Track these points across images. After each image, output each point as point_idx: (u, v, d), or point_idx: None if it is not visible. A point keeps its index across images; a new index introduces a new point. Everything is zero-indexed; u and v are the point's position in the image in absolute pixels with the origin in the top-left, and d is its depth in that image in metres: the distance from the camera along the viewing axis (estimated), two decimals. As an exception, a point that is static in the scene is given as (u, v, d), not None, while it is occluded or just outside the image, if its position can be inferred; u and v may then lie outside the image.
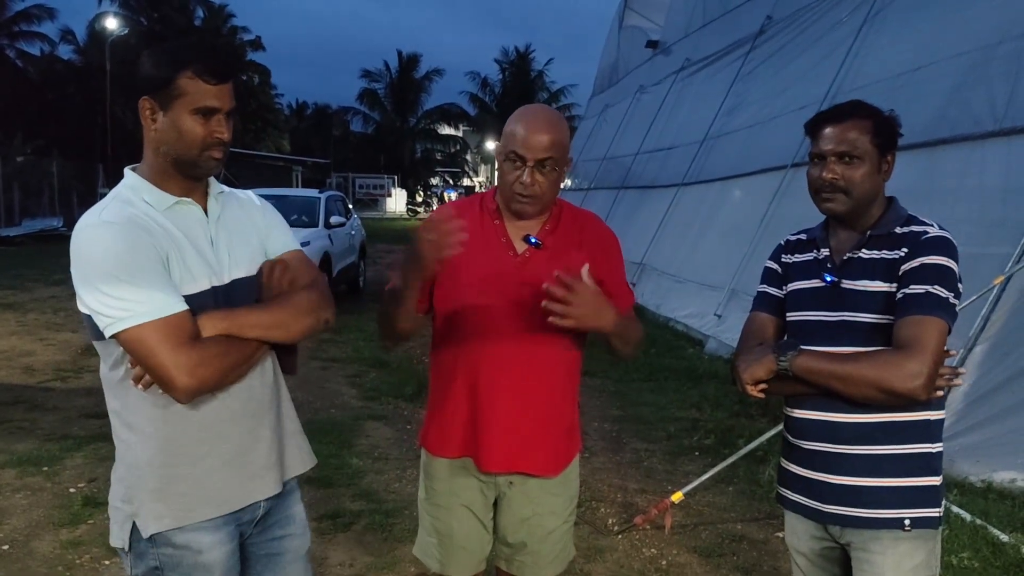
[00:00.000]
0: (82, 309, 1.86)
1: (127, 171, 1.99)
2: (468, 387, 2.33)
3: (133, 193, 1.93)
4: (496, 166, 2.37)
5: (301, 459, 2.20)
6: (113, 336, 1.81)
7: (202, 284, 1.92)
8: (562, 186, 2.39)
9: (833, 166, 2.15)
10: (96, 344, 1.95)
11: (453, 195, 54.26)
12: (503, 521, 2.43)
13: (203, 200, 2.02)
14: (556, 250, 2.34)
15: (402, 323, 2.32)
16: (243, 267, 2.03)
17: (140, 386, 1.86)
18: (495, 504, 2.45)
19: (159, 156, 1.93)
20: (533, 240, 2.32)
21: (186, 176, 1.96)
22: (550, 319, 2.04)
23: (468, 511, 2.40)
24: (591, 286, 2.07)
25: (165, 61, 1.89)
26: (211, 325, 1.86)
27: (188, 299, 1.85)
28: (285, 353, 2.17)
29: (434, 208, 52.68)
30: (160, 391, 1.85)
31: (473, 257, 2.28)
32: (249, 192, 2.25)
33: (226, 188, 2.14)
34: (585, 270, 2.08)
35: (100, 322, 1.81)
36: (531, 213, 2.31)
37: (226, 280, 1.98)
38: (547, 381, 2.35)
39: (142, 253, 1.82)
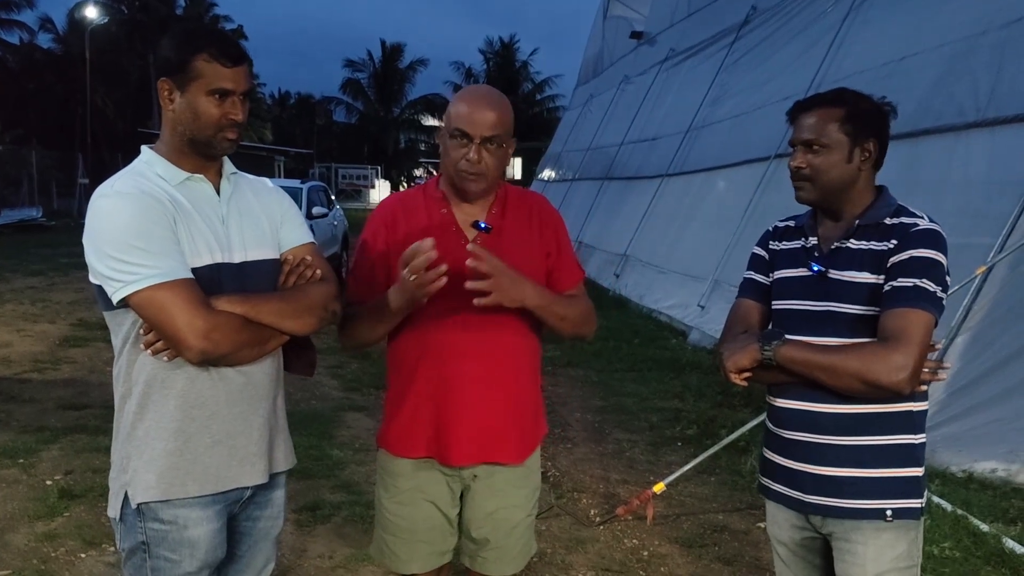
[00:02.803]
0: (93, 280, 1.93)
1: (144, 148, 2.06)
2: (430, 382, 2.29)
3: (147, 167, 2.00)
4: (441, 150, 2.33)
5: (286, 456, 2.25)
6: (123, 301, 1.86)
7: (207, 258, 1.97)
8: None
9: (800, 154, 2.15)
10: (106, 316, 2.01)
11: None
12: (468, 515, 2.40)
13: (216, 179, 2.08)
14: (507, 233, 2.32)
15: (379, 339, 2.34)
16: (256, 250, 2.09)
17: (150, 351, 1.91)
18: (461, 498, 2.41)
19: (175, 135, 2.00)
20: (483, 225, 2.28)
21: (201, 155, 2.02)
22: (475, 301, 2.08)
23: (433, 506, 2.37)
24: (500, 262, 2.11)
25: (182, 44, 1.96)
26: (229, 306, 1.91)
27: (193, 272, 1.91)
28: (302, 351, 2.23)
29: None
30: (164, 361, 1.92)
31: None
32: (263, 178, 2.32)
33: (239, 171, 2.19)
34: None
35: (111, 288, 1.87)
36: (477, 191, 2.27)
37: (236, 260, 2.03)
38: (512, 367, 2.33)
39: (154, 221, 1.88)
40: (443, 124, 2.31)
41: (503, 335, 2.28)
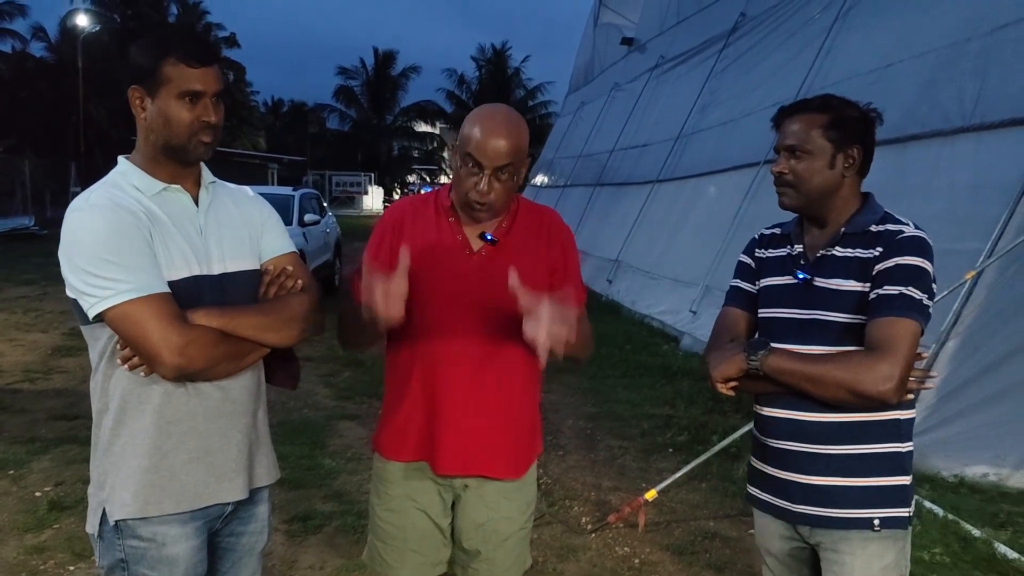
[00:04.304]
0: (69, 294, 1.90)
1: (120, 158, 2.02)
2: (424, 389, 2.28)
3: (123, 178, 1.96)
4: (452, 166, 2.31)
5: (268, 471, 2.21)
6: (99, 317, 1.83)
7: (183, 271, 1.94)
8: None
9: (783, 160, 2.16)
10: (83, 329, 1.97)
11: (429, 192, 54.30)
12: (459, 526, 2.39)
13: (194, 189, 2.04)
14: (513, 246, 2.30)
15: (368, 346, 2.33)
16: (236, 261, 2.05)
17: (127, 366, 1.88)
18: (452, 507, 2.40)
19: (149, 143, 1.96)
20: (488, 237, 2.28)
21: (177, 162, 1.98)
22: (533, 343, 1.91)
23: (423, 514, 2.36)
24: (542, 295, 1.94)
25: (149, 50, 1.93)
26: (206, 320, 1.88)
27: (170, 285, 1.88)
28: (285, 363, 2.19)
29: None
30: (140, 376, 1.89)
31: (429, 257, 2.25)
32: (244, 187, 2.27)
33: (218, 180, 2.15)
34: (513, 275, 1.94)
35: (85, 303, 1.84)
36: (484, 219, 2.25)
37: (216, 271, 2.00)
38: (507, 381, 2.30)
39: (128, 234, 1.85)
40: (456, 142, 2.24)
41: (498, 347, 2.26)
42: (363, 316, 1.97)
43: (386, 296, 1.93)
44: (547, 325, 1.90)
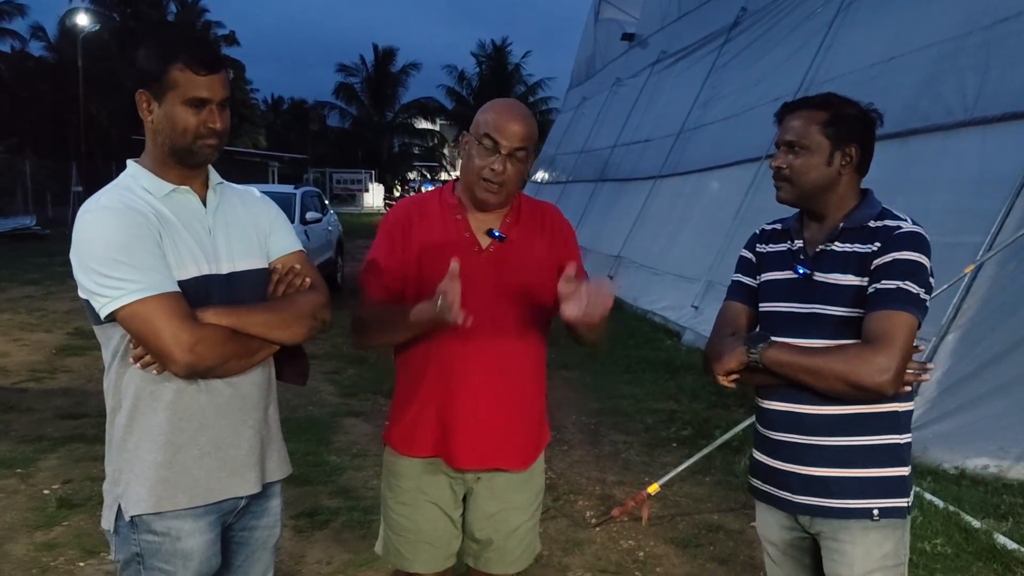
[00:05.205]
0: (81, 295, 1.93)
1: (129, 162, 2.06)
2: (437, 385, 2.32)
3: (133, 181, 2.00)
4: (462, 155, 2.36)
5: (279, 466, 2.24)
6: (111, 316, 1.86)
7: (193, 271, 1.97)
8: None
9: (781, 155, 2.20)
10: (96, 329, 2.01)
11: (431, 189, 54.54)
12: (470, 517, 2.44)
13: (202, 190, 2.08)
14: (520, 241, 2.36)
15: (393, 344, 2.40)
16: (244, 260, 2.08)
17: (139, 365, 1.91)
18: (464, 500, 2.45)
19: (157, 146, 1.99)
20: (496, 234, 2.32)
21: (184, 164, 2.01)
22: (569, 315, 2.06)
23: (436, 508, 2.40)
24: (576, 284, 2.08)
25: (157, 54, 1.95)
26: (216, 318, 1.91)
27: (180, 284, 1.91)
28: (294, 360, 2.22)
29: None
30: (152, 373, 1.92)
31: (439, 255, 2.28)
32: (250, 187, 2.31)
33: (225, 181, 2.18)
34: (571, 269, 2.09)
35: (97, 303, 1.87)
36: (495, 202, 2.30)
37: (224, 271, 2.03)
38: (518, 374, 2.36)
39: (138, 235, 1.88)
40: (469, 132, 2.33)
41: (510, 343, 2.32)
42: (426, 316, 2.10)
43: (454, 299, 2.03)
44: (587, 304, 2.02)
